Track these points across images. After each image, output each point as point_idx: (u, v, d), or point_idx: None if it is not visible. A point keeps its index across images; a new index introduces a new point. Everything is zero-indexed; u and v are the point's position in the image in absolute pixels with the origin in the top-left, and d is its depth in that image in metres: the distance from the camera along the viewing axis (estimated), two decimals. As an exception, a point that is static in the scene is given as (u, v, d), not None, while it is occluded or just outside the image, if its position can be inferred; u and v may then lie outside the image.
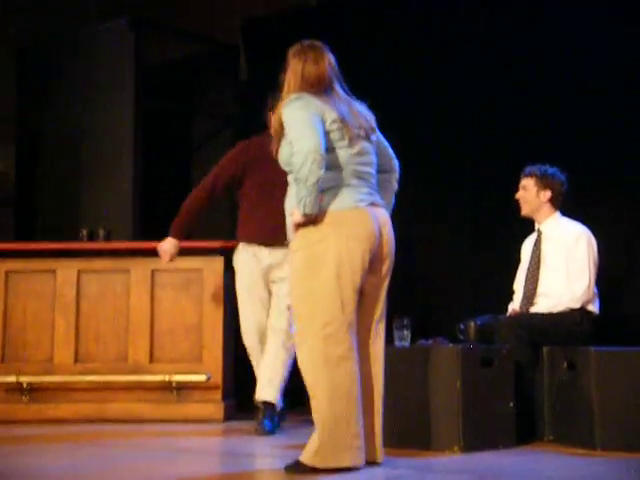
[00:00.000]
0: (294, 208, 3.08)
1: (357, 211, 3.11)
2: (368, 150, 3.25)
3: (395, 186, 3.40)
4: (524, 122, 5.21)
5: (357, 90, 5.62)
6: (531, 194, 4.32)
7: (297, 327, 3.12)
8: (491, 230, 5.31)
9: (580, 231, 4.25)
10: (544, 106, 5.15)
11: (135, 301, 4.99)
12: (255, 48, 6.60)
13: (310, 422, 3.11)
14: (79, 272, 5.02)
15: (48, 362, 4.96)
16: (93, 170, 6.16)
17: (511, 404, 3.73)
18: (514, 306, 4.35)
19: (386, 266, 3.22)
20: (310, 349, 3.04)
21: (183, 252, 4.95)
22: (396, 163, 3.41)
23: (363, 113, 3.34)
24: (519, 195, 4.37)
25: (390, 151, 3.41)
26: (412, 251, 5.65)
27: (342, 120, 3.19)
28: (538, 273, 4.27)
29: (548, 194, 4.31)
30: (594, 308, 4.18)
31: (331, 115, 3.19)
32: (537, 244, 4.34)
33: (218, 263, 4.97)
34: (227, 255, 4.95)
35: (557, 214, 4.36)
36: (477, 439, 3.59)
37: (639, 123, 4.90)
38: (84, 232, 5.44)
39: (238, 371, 5.19)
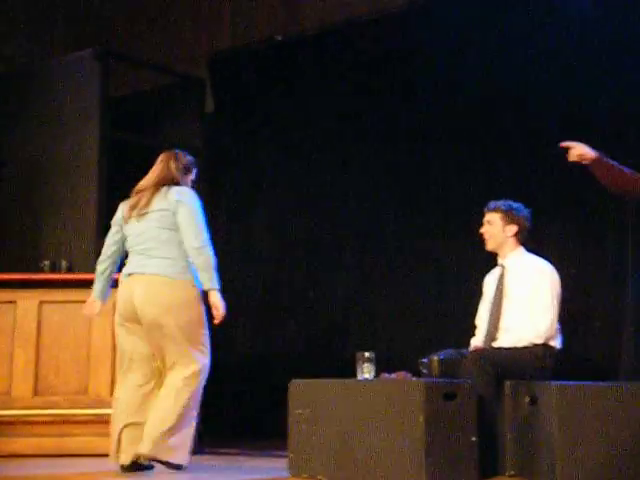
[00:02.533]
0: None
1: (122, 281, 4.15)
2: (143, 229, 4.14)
3: (195, 260, 4.04)
4: (484, 159, 5.30)
5: (324, 120, 5.70)
6: (497, 228, 4.35)
7: None
8: (454, 264, 5.36)
9: (544, 267, 4.29)
10: (503, 145, 5.25)
11: (97, 333, 4.94)
12: (221, 81, 6.63)
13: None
14: (40, 303, 4.97)
15: (6, 395, 4.89)
16: (56, 201, 6.11)
17: (474, 438, 3.73)
18: (476, 341, 4.37)
19: (146, 322, 4.01)
20: None
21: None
22: (188, 240, 4.05)
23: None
24: (484, 230, 4.40)
25: (183, 229, 4.09)
26: (375, 285, 5.68)
27: None
28: (501, 308, 4.30)
29: (514, 229, 4.35)
30: (556, 343, 4.21)
31: None
32: (501, 279, 4.36)
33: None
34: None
35: (521, 249, 4.40)
36: (440, 473, 3.58)
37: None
38: (46, 263, 5.39)
39: (205, 404, 5.14)
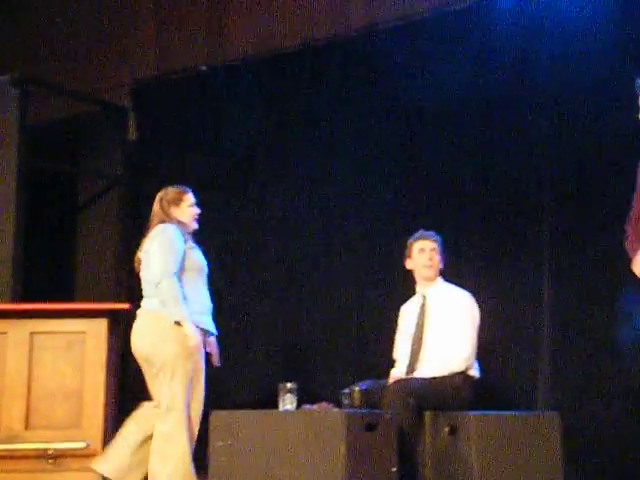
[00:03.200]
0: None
1: None
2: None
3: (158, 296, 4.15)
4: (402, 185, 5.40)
5: (247, 150, 5.71)
6: (438, 259, 4.42)
7: None
8: (375, 295, 5.40)
9: (465, 296, 4.35)
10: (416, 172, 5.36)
11: (12, 365, 4.79)
12: (145, 109, 6.60)
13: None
14: (-49, 335, 4.81)
15: None
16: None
17: (394, 469, 3.74)
18: (397, 372, 4.39)
19: (144, 362, 4.19)
20: None
21: (65, 314, 4.82)
22: (149, 277, 4.22)
23: None
24: (433, 257, 4.40)
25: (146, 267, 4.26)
26: (296, 316, 5.68)
27: None
28: (423, 338, 4.34)
29: (443, 259, 4.45)
30: (475, 372, 4.27)
31: None
32: (422, 308, 4.40)
33: (101, 326, 4.84)
34: (112, 318, 4.85)
35: (440, 279, 4.47)
36: (361, 505, 3.57)
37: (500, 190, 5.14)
38: (-39, 293, 5.25)
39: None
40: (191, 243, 4.28)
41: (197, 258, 4.26)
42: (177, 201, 4.32)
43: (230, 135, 6.14)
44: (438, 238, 4.46)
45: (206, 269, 4.28)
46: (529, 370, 5.03)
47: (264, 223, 5.95)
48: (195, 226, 4.35)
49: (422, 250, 4.42)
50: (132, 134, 6.62)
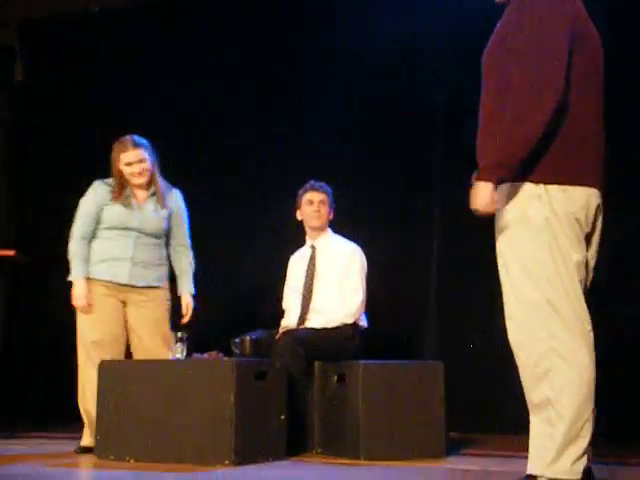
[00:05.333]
0: None
1: None
2: None
3: None
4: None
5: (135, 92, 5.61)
6: (326, 210, 4.45)
7: None
8: (267, 244, 5.42)
9: (354, 248, 4.41)
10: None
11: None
12: (32, 50, 6.37)
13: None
14: None
15: None
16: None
17: (283, 417, 3.80)
18: (287, 322, 4.42)
19: None
20: None
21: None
22: None
23: None
24: (320, 209, 4.43)
25: None
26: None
27: None
28: (312, 289, 4.39)
29: (332, 211, 4.49)
30: (363, 323, 4.36)
31: None
32: (312, 260, 4.45)
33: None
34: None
35: (329, 231, 4.52)
36: (249, 452, 3.61)
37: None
38: None
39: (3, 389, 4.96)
40: (120, 200, 4.20)
41: (116, 214, 4.18)
42: (116, 159, 4.22)
43: (118, 75, 6.02)
44: (328, 189, 4.49)
45: (131, 224, 4.19)
46: (416, 322, 5.19)
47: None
48: (137, 181, 4.21)
49: (310, 202, 4.45)
50: (19, 75, 6.39)
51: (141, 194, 4.25)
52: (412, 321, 5.20)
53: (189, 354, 3.94)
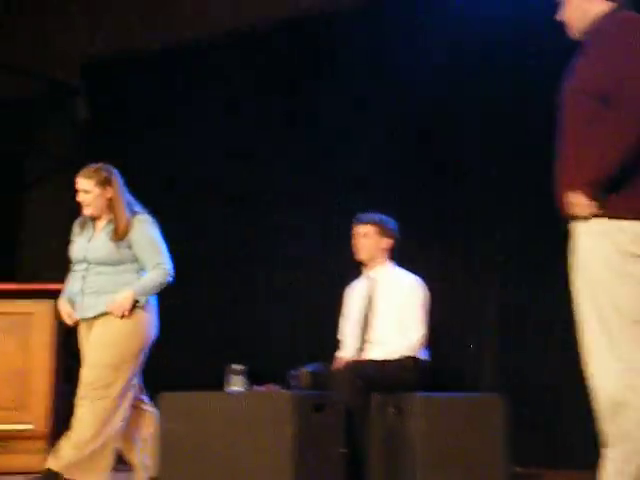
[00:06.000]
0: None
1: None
2: None
3: None
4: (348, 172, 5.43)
5: (198, 128, 5.68)
6: (372, 241, 4.40)
7: None
8: (323, 277, 5.43)
9: (414, 281, 4.38)
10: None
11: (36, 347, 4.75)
12: (95, 88, 6.53)
13: None
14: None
15: None
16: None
17: (342, 450, 3.78)
18: (343, 354, 4.42)
19: None
20: None
21: (11, 295, 4.77)
22: None
23: None
24: (359, 242, 4.41)
25: None
26: (246, 299, 5.70)
27: None
28: (370, 320, 4.37)
29: (389, 242, 4.43)
30: (423, 356, 4.31)
31: None
32: (370, 291, 4.42)
33: (48, 307, 4.80)
34: (58, 299, 4.81)
35: (390, 263, 4.49)
36: (308, 485, 3.61)
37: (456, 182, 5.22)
38: None
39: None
40: (83, 233, 4.20)
41: (73, 249, 4.19)
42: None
43: (181, 112, 6.13)
44: (377, 219, 4.43)
45: (80, 258, 4.14)
46: (474, 354, 5.13)
47: (213, 202, 5.95)
48: (86, 212, 4.18)
49: (354, 235, 4.46)
50: (83, 114, 6.56)
51: (98, 224, 4.19)
52: (471, 353, 5.14)
53: (248, 386, 3.95)
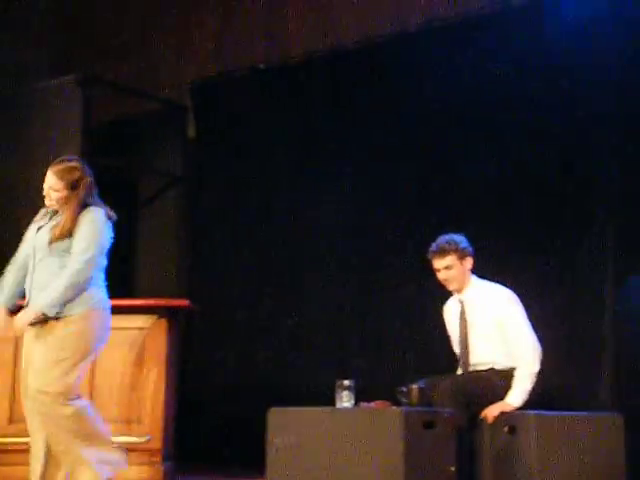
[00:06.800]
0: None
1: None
2: None
3: None
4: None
5: (305, 146, 5.72)
6: (457, 270, 4.27)
7: None
8: (431, 291, 5.36)
9: (506, 293, 4.24)
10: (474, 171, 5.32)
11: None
12: (203, 108, 6.66)
13: None
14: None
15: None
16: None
17: (452, 468, 3.71)
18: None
19: None
20: None
21: (125, 310, 4.89)
22: None
23: None
24: (446, 275, 4.28)
25: None
26: (354, 313, 5.68)
27: None
28: (469, 342, 4.25)
29: (470, 261, 4.30)
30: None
31: None
32: (462, 315, 4.30)
33: (162, 322, 4.90)
34: (171, 314, 4.91)
35: (474, 279, 4.34)
36: (419, 503, 3.56)
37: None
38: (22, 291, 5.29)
39: (180, 432, 5.12)
40: (39, 224, 4.00)
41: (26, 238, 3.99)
42: None
43: (288, 131, 6.17)
44: (454, 245, 4.27)
45: (30, 252, 3.91)
46: (591, 371, 4.96)
47: (324, 218, 5.97)
48: (51, 208, 4.00)
49: (436, 270, 4.33)
50: (191, 132, 6.70)
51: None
52: (584, 368, 4.97)
53: (356, 403, 3.93)
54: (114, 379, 4.87)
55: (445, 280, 4.30)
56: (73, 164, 4.02)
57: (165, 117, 6.78)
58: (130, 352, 4.89)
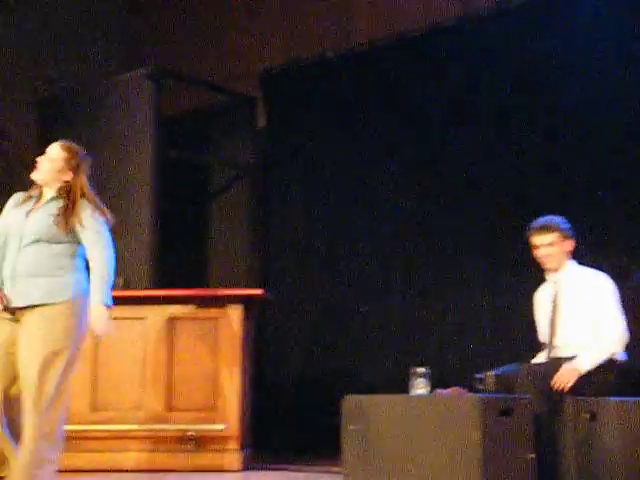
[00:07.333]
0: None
1: None
2: None
3: None
4: (529, 172, 5.27)
5: (375, 135, 5.66)
6: (557, 248, 4.22)
7: None
8: (508, 277, 5.29)
9: (601, 277, 4.18)
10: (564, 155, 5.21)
11: (152, 349, 4.97)
12: (273, 98, 6.68)
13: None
14: (96, 320, 5.00)
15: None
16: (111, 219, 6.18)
17: (531, 455, 3.66)
18: (541, 358, 4.25)
19: None
20: None
21: (201, 301, 4.95)
22: None
23: None
24: (546, 252, 4.22)
25: None
26: (429, 300, 5.64)
27: None
28: (558, 324, 4.20)
29: (572, 243, 4.25)
30: (620, 356, 4.09)
31: None
32: (555, 296, 4.23)
33: (236, 311, 4.95)
34: (246, 303, 4.95)
35: (571, 263, 4.29)
36: (497, 491, 3.51)
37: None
38: (102, 280, 5.38)
39: (256, 420, 5.17)
40: (21, 207, 3.80)
41: (9, 221, 3.79)
42: None
43: (359, 120, 6.15)
44: (557, 224, 4.22)
45: (14, 237, 3.72)
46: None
47: (396, 208, 5.93)
48: (33, 176, 3.83)
49: (536, 246, 4.27)
50: (261, 122, 6.72)
51: (41, 199, 3.81)
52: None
53: (431, 390, 3.90)
54: (191, 369, 4.94)
55: (544, 257, 4.24)
56: (78, 149, 3.92)
57: (235, 108, 6.82)
58: (206, 342, 4.96)
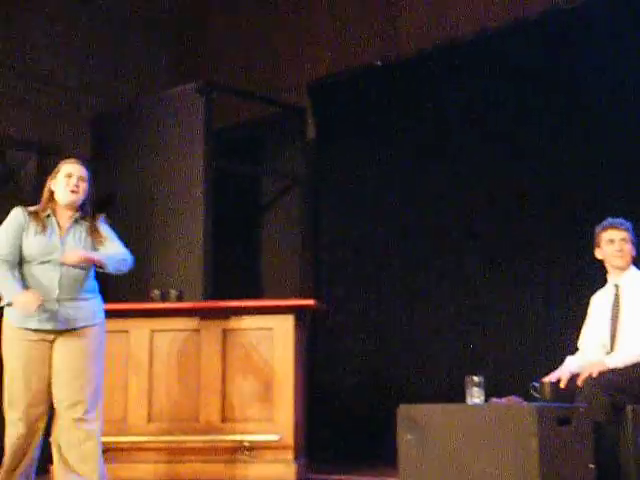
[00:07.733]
0: None
1: None
2: None
3: None
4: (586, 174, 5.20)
5: (426, 144, 5.62)
6: (629, 247, 4.21)
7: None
8: (562, 285, 5.22)
9: None
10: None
11: (206, 361, 5.01)
12: (322, 108, 6.70)
13: None
14: (151, 332, 5.07)
15: (121, 422, 4.99)
16: (165, 231, 6.26)
17: (591, 465, 3.59)
18: (574, 360, 4.21)
19: None
20: None
21: (254, 311, 4.98)
22: None
23: None
24: (621, 246, 4.19)
25: None
26: (483, 307, 5.60)
27: None
28: (618, 328, 4.14)
29: (634, 250, 4.23)
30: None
31: None
32: (616, 299, 4.19)
33: (289, 321, 4.97)
34: (298, 313, 4.96)
35: (633, 268, 4.26)
36: (556, 502, 3.46)
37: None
38: (156, 293, 5.47)
39: (311, 430, 5.17)
40: (44, 230, 3.83)
41: (35, 245, 3.80)
42: (55, 172, 3.92)
43: (408, 129, 6.13)
44: (628, 225, 4.25)
45: (50, 256, 3.80)
46: None
47: (444, 217, 5.90)
48: (70, 198, 3.88)
49: (611, 240, 4.22)
50: (311, 133, 6.75)
51: (62, 222, 3.88)
52: None
53: (486, 398, 3.86)
54: (245, 379, 4.97)
55: (620, 251, 4.20)
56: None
57: (285, 119, 6.86)
58: (260, 352, 4.98)
